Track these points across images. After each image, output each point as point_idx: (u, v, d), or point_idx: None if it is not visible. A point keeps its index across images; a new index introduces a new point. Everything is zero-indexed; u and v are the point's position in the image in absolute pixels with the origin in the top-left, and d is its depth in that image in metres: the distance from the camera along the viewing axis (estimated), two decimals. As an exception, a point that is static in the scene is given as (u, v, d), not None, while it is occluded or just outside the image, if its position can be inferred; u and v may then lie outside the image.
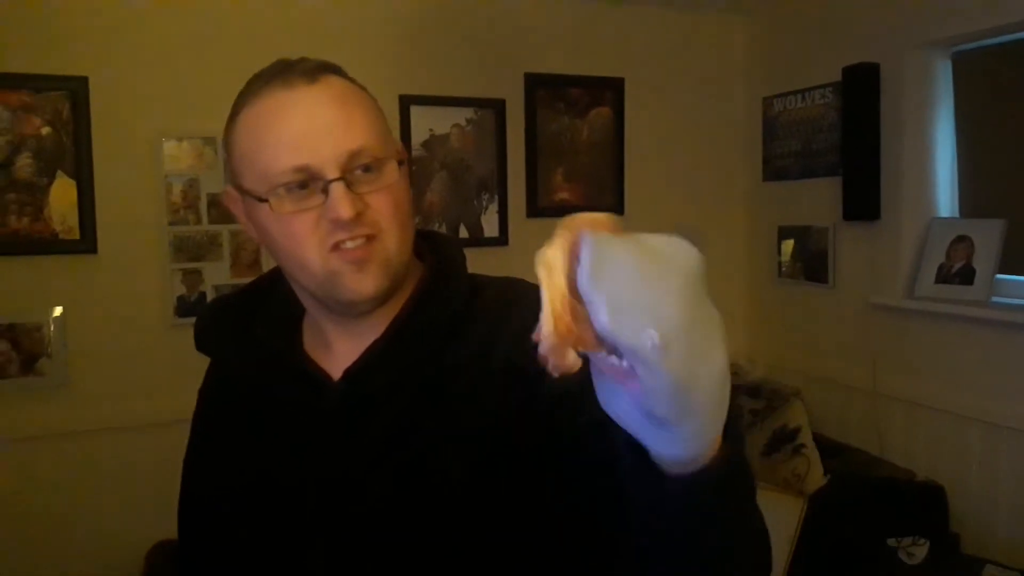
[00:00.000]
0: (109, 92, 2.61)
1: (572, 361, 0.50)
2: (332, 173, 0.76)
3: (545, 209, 3.25)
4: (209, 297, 2.72)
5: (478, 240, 3.15)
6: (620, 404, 0.52)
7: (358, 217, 0.77)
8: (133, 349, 2.66)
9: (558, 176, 3.28)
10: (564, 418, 0.75)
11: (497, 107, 3.16)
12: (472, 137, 3.14)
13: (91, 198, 2.60)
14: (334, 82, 0.81)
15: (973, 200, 2.81)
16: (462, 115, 3.12)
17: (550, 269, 0.51)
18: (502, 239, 3.19)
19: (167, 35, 2.69)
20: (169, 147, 2.68)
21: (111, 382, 2.64)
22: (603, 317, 0.47)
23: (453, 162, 3.12)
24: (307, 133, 0.77)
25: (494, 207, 3.19)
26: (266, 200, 0.78)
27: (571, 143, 3.31)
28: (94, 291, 2.63)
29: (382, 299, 0.82)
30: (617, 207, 3.36)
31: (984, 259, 2.62)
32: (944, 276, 2.71)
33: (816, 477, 2.62)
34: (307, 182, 0.77)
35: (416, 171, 3.04)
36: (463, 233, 3.14)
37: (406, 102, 3.01)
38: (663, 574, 0.65)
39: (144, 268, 2.69)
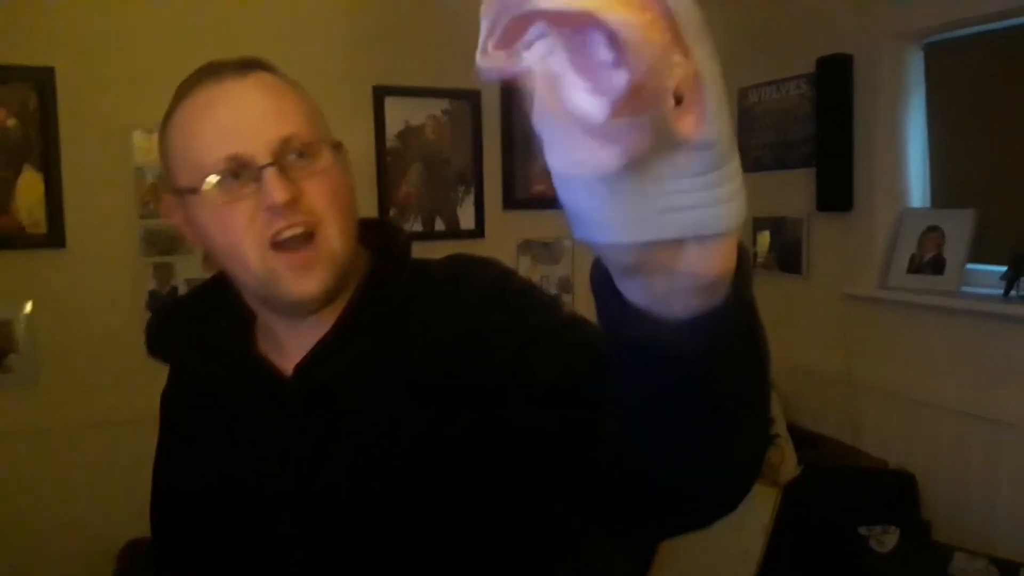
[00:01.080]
0: (77, 83, 2.57)
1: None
2: (264, 159, 0.76)
3: (522, 201, 3.25)
4: (181, 291, 2.69)
5: (454, 232, 3.14)
6: (677, 192, 0.41)
7: (294, 203, 0.76)
8: (104, 344, 2.62)
9: (535, 168, 3.27)
10: (537, 361, 0.75)
11: (472, 99, 3.14)
12: (448, 129, 3.13)
13: (59, 191, 2.55)
14: (264, 75, 0.82)
15: (945, 190, 2.84)
16: (437, 106, 3.10)
17: None
18: (478, 231, 3.18)
19: (136, 24, 2.64)
20: (139, 138, 2.64)
21: (82, 378, 2.60)
22: None
23: (428, 154, 3.10)
24: (238, 122, 0.78)
25: (470, 199, 3.18)
26: (198, 192, 0.78)
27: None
28: (63, 286, 2.58)
29: (328, 297, 0.81)
30: (593, 199, 3.35)
31: (954, 249, 2.65)
32: (916, 266, 2.74)
33: (790, 467, 2.65)
34: (240, 171, 0.77)
35: (391, 162, 3.02)
36: (439, 225, 3.13)
37: (380, 93, 2.99)
38: (662, 459, 0.60)
39: (114, 262, 2.65)
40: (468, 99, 3.13)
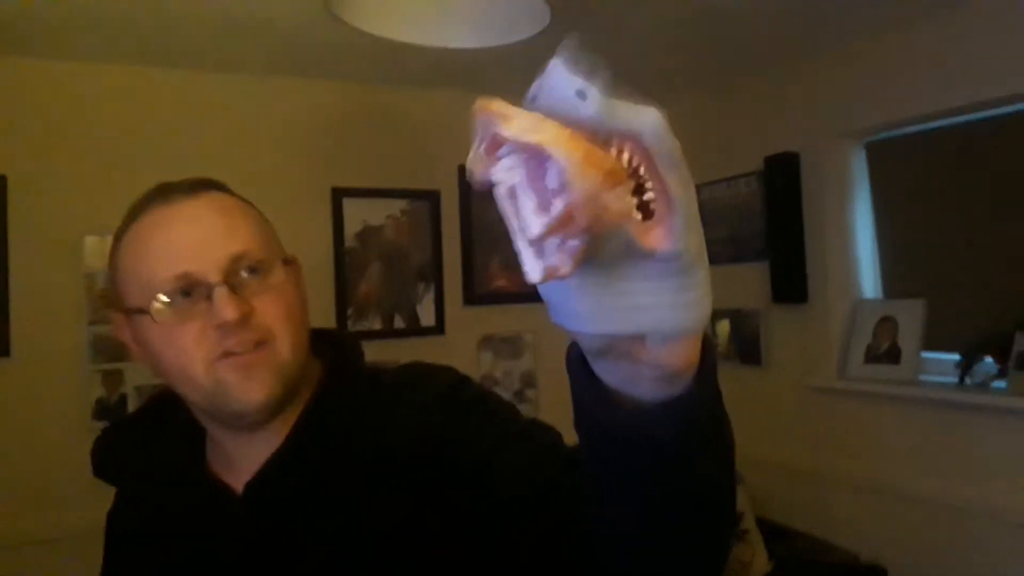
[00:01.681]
0: (29, 190, 2.54)
1: (628, 203, 0.42)
2: (215, 277, 0.75)
3: (482, 297, 3.25)
4: (131, 399, 2.60)
5: (415, 329, 3.11)
6: (641, 293, 0.45)
7: (245, 320, 0.75)
8: (49, 456, 2.50)
9: (494, 264, 3.29)
10: (498, 467, 0.75)
11: (432, 198, 3.18)
12: (407, 227, 3.14)
13: (5, 298, 2.48)
14: (215, 195, 0.82)
15: (895, 280, 2.92)
16: (396, 206, 3.12)
17: (532, 125, 0.41)
18: (439, 328, 3.16)
19: (91, 132, 2.64)
20: (91, 242, 2.60)
21: (25, 492, 2.47)
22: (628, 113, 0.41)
23: (388, 252, 3.11)
24: (188, 241, 0.77)
25: (430, 296, 3.17)
26: (148, 312, 0.76)
27: (507, 232, 3.31)
28: (7, 395, 2.48)
29: (274, 407, 0.79)
30: (553, 294, 3.37)
31: (909, 338, 2.70)
32: (873, 356, 2.78)
33: (761, 564, 2.59)
34: (191, 290, 0.76)
35: (350, 262, 3.02)
36: (399, 323, 3.10)
37: (339, 195, 3.00)
38: (634, 543, 0.61)
39: (61, 370, 2.56)
40: (427, 198, 3.17)
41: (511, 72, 2.84)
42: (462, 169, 3.21)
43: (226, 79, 2.84)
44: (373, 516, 0.77)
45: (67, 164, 2.60)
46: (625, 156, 0.42)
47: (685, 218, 0.43)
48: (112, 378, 2.60)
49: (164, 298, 0.76)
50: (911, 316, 2.71)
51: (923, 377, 2.66)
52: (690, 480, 0.56)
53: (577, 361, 0.53)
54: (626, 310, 0.45)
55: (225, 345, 0.75)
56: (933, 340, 2.69)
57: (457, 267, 3.23)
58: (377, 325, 3.04)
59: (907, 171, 2.86)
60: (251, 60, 2.72)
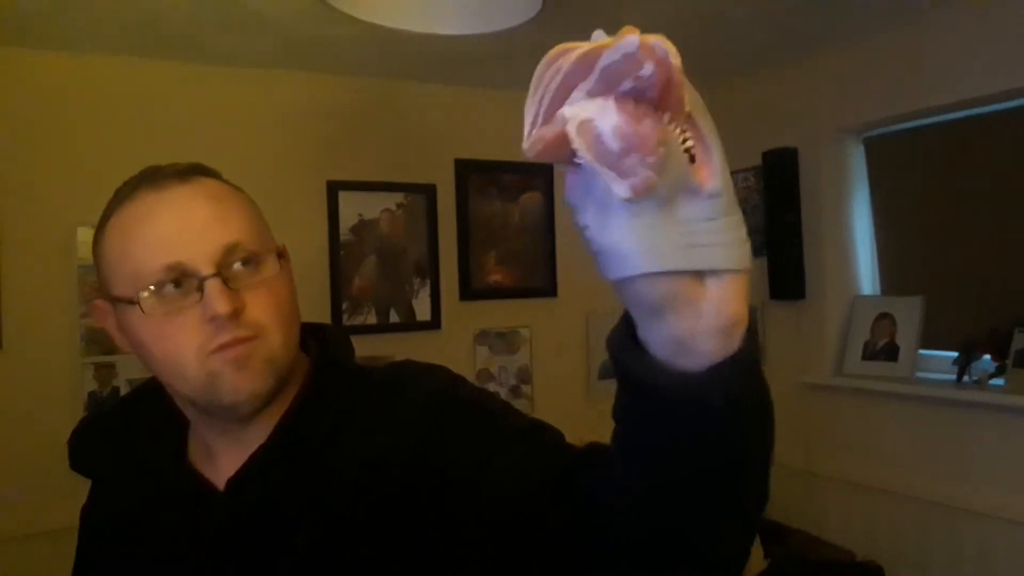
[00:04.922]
0: (20, 182, 2.51)
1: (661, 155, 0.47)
2: (207, 269, 0.73)
3: (478, 291, 3.23)
4: (123, 392, 2.57)
5: (410, 324, 3.10)
6: (696, 231, 0.50)
7: (236, 315, 0.73)
8: (40, 450, 2.48)
9: (491, 259, 3.27)
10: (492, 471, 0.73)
11: (428, 192, 3.16)
12: (402, 222, 3.12)
13: (-3, 290, 2.46)
14: (207, 182, 0.79)
15: (893, 277, 2.91)
16: (392, 200, 3.10)
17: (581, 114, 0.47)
18: (434, 323, 3.15)
19: (86, 121, 2.62)
20: (84, 234, 2.57)
21: (17, 486, 2.45)
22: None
23: (383, 246, 3.09)
24: (179, 230, 0.74)
25: (426, 290, 3.15)
26: (136, 302, 0.73)
27: (503, 227, 3.32)
28: (-2, 388, 2.46)
29: (265, 400, 0.77)
30: (550, 288, 3.36)
31: (906, 335, 2.68)
32: (870, 353, 2.77)
33: (757, 561, 2.58)
34: (181, 281, 0.73)
35: (345, 256, 3.00)
36: (394, 317, 3.08)
37: (334, 188, 2.98)
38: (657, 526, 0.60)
39: (53, 362, 2.54)
40: (423, 193, 3.15)
41: (505, 64, 2.83)
42: (458, 163, 3.21)
43: (220, 71, 2.82)
44: (357, 517, 0.75)
45: (59, 155, 2.58)
46: (666, 116, 0.48)
47: (720, 158, 0.49)
48: (105, 371, 2.58)
49: (153, 289, 0.73)
50: (909, 313, 2.70)
51: (921, 374, 2.65)
52: (734, 449, 0.57)
53: (622, 339, 0.55)
54: (683, 248, 0.49)
55: (217, 340, 0.73)
56: (931, 337, 2.68)
57: (453, 261, 3.21)
58: (372, 319, 3.02)
59: (905, 167, 2.84)
60: (246, 52, 2.70)
